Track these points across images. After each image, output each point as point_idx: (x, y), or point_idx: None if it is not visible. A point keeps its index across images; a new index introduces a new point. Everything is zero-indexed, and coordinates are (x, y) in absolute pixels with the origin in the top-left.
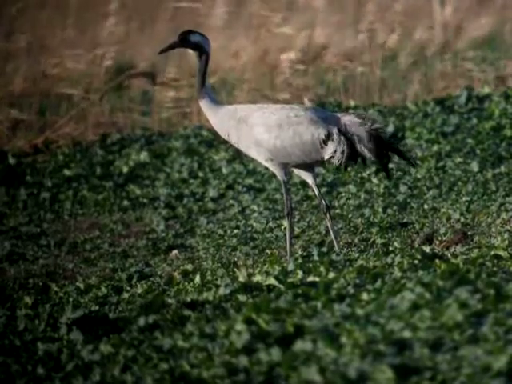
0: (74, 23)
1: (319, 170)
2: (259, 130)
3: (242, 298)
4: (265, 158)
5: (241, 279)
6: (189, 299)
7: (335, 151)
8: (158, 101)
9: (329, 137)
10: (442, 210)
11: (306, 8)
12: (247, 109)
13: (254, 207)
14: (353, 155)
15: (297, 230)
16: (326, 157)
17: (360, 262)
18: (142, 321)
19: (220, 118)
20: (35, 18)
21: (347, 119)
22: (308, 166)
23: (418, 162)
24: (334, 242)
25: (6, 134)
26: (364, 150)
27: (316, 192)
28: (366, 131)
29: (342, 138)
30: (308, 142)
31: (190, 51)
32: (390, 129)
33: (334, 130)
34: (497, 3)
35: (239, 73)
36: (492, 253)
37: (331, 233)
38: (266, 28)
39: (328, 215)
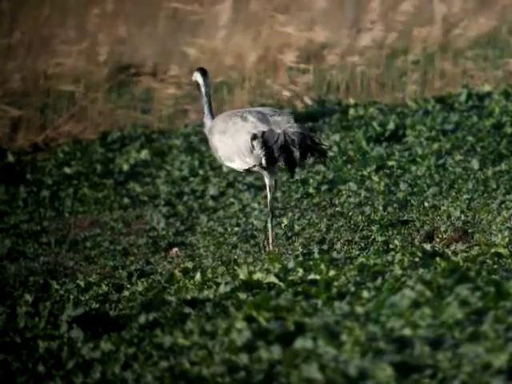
0: (74, 21)
1: (319, 167)
2: (215, 138)
3: (242, 295)
4: (229, 164)
5: (241, 277)
6: (189, 297)
7: (259, 154)
8: (158, 99)
9: (253, 140)
10: (443, 208)
11: (306, 7)
12: (219, 118)
13: (255, 205)
14: (272, 157)
15: (297, 228)
16: (263, 160)
17: (360, 259)
18: (142, 318)
19: (207, 132)
20: (35, 16)
21: (276, 120)
22: (269, 171)
23: (419, 159)
24: (270, 243)
25: (6, 132)
26: (278, 151)
27: (269, 196)
28: (285, 133)
29: (262, 140)
30: (242, 147)
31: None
32: (391, 126)
33: (259, 133)
34: (497, 2)
35: (240, 72)
36: (492, 250)
37: (270, 237)
38: (267, 26)
39: (270, 222)
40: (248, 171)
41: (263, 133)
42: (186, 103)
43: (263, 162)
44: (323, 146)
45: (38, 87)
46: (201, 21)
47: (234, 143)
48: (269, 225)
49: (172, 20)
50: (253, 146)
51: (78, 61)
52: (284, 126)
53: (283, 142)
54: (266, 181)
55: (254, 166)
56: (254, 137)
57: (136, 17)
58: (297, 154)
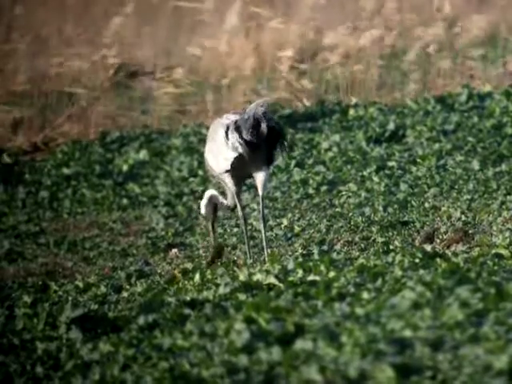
0: (75, 22)
1: (319, 168)
2: (206, 154)
3: (241, 296)
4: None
5: (241, 278)
6: (188, 298)
7: (234, 140)
8: (158, 99)
9: (228, 130)
10: (443, 209)
11: (305, 7)
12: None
13: (254, 206)
14: (248, 144)
15: (297, 229)
16: (232, 152)
17: (360, 260)
18: (141, 320)
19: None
20: (36, 17)
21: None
22: (250, 175)
23: (419, 160)
24: (265, 246)
25: (6, 132)
26: (248, 130)
27: (261, 204)
28: (254, 113)
29: (234, 127)
30: (220, 146)
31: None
32: (391, 127)
33: (231, 123)
34: (498, 1)
35: (239, 72)
36: (493, 251)
37: (264, 239)
38: (266, 27)
39: (263, 228)
40: (236, 176)
41: (236, 122)
42: (185, 103)
43: (240, 148)
44: (284, 134)
45: (39, 88)
46: (201, 21)
47: (214, 144)
48: (262, 230)
49: (172, 20)
50: (227, 137)
51: (78, 61)
52: (253, 109)
53: (252, 121)
54: (259, 186)
55: (236, 160)
56: (227, 128)
57: (136, 16)
58: (264, 126)
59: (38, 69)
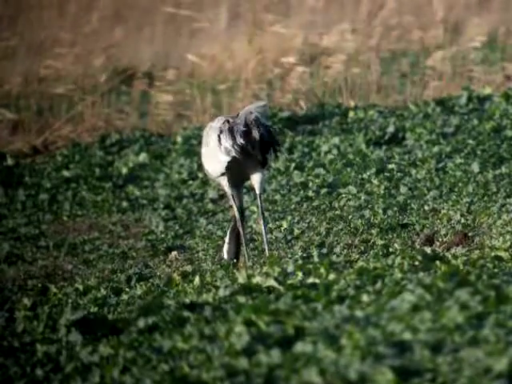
0: (73, 25)
1: (319, 170)
2: (202, 158)
3: (241, 299)
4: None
5: (240, 281)
6: (188, 301)
7: (227, 144)
8: (156, 103)
9: (220, 134)
10: (443, 211)
11: (305, 10)
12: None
13: (254, 208)
14: (237, 142)
15: (296, 231)
16: (226, 156)
17: (360, 263)
18: (141, 322)
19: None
20: (33, 19)
21: (243, 111)
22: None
23: (419, 162)
24: (266, 247)
25: (5, 135)
26: (241, 136)
27: (259, 204)
28: (246, 118)
29: (227, 130)
30: (213, 150)
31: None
32: (391, 129)
33: (224, 127)
34: (497, 3)
35: (238, 76)
36: (493, 254)
37: (265, 240)
38: (265, 30)
39: (264, 228)
40: (232, 178)
41: (228, 126)
42: (183, 108)
43: (233, 152)
44: (278, 140)
45: (36, 90)
46: (198, 25)
47: (208, 148)
48: (263, 230)
49: (170, 24)
50: (220, 141)
51: (76, 64)
52: (245, 114)
53: (244, 126)
54: (256, 186)
55: (230, 163)
56: (220, 132)
57: (134, 21)
58: (255, 133)
59: (35, 71)
